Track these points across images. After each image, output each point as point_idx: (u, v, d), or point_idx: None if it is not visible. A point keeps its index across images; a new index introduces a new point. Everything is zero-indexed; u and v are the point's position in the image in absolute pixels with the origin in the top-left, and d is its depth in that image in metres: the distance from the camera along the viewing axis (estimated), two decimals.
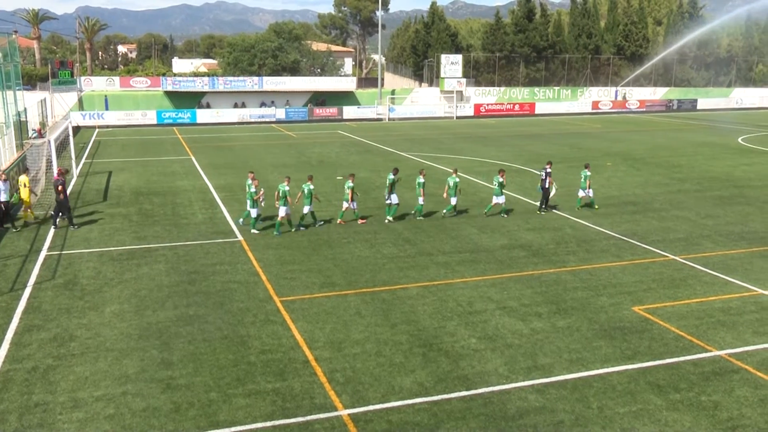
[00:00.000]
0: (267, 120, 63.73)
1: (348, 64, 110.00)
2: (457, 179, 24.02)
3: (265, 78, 67.19)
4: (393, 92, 72.40)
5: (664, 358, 12.95)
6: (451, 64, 71.15)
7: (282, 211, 21.72)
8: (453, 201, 24.08)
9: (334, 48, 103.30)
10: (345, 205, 23.21)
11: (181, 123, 61.34)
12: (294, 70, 77.02)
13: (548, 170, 24.64)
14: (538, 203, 25.48)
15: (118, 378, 12.14)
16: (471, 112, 70.33)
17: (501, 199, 23.99)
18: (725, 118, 66.85)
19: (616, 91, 78.06)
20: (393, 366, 12.63)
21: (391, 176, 23.49)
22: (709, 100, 79.31)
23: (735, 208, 25.95)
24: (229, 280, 17.45)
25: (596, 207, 25.48)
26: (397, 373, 12.34)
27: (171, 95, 65.20)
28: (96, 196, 28.43)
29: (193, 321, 14.72)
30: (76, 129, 52.79)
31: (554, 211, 25.15)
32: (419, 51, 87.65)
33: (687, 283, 17.26)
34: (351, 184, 22.89)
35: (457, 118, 68.37)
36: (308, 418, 10.87)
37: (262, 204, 22.43)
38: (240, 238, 21.56)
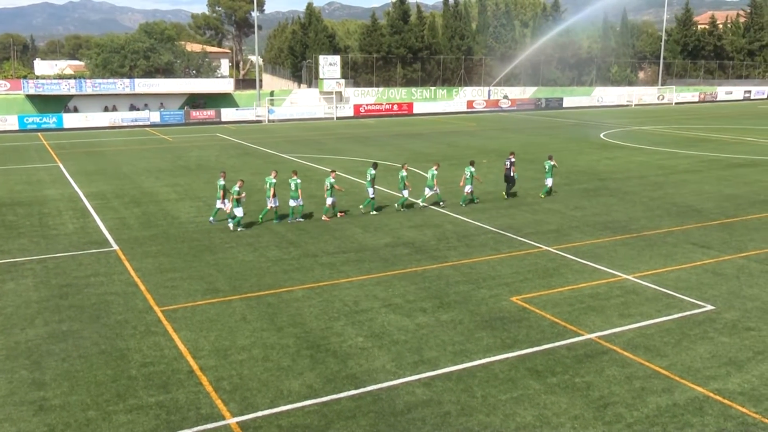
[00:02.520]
0: (141, 124, 61.26)
1: (224, 65, 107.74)
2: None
3: (137, 80, 64.56)
4: (272, 93, 71.64)
5: (541, 345, 13.62)
6: (330, 65, 71.31)
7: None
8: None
9: (209, 49, 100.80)
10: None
11: (47, 128, 57.76)
12: (168, 72, 74.50)
13: (512, 160, 27.43)
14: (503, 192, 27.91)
15: None
16: (351, 113, 70.82)
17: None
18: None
19: (489, 91, 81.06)
20: (281, 370, 12.53)
21: (372, 171, 24.80)
22: (573, 98, 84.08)
23: (600, 199, 27.67)
24: (105, 292, 16.64)
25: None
26: (285, 377, 12.25)
27: (34, 99, 61.25)
28: None
29: (66, 337, 13.93)
30: None
31: (433, 207, 25.81)
32: (297, 52, 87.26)
33: (559, 272, 18.23)
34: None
35: (338, 118, 68.63)
36: (195, 429, 10.58)
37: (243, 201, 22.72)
38: (115, 247, 20.62)
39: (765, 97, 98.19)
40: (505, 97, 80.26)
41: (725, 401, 11.43)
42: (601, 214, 25.08)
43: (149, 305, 15.79)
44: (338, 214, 24.38)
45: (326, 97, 70.79)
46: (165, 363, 12.81)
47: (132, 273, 18.13)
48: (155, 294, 16.51)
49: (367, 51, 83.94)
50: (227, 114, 64.98)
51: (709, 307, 15.66)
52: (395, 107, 73.50)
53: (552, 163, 27.71)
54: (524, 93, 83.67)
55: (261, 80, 74.79)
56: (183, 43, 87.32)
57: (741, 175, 33.29)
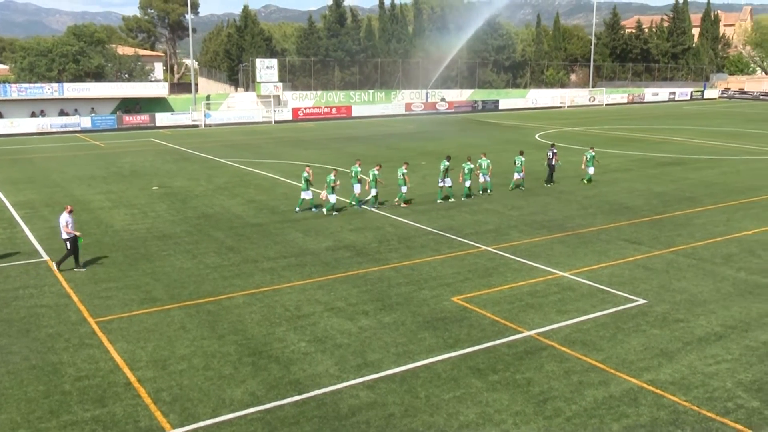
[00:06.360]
0: (71, 129, 59.40)
1: (158, 69, 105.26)
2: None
3: (66, 84, 62.46)
4: (208, 97, 70.44)
5: (482, 343, 13.81)
6: (267, 69, 70.60)
7: (357, 188, 26.26)
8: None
9: (142, 52, 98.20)
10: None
11: None
12: (99, 76, 72.38)
13: (554, 150, 31.44)
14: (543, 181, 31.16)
15: None
16: (289, 116, 70.33)
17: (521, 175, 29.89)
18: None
19: (427, 93, 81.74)
20: (222, 378, 12.33)
21: (446, 162, 27.26)
22: (509, 100, 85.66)
23: (536, 198, 28.26)
24: (34, 305, 16.04)
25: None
26: (227, 386, 12.06)
27: None
28: None
29: None
30: None
31: (373, 210, 25.86)
32: (233, 55, 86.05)
33: (499, 271, 18.53)
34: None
35: (276, 122, 68.06)
36: None
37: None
38: (45, 257, 19.90)
39: (688, 98, 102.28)
40: (443, 99, 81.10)
41: (658, 391, 11.83)
42: (538, 213, 25.61)
43: (83, 317, 15.30)
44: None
45: (264, 100, 70.11)
46: (100, 376, 12.43)
47: (64, 284, 17.54)
48: (89, 305, 16.01)
49: (304, 54, 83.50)
50: (162, 118, 63.61)
51: (641, 301, 16.19)
52: (334, 110, 73.34)
53: (593, 153, 31.53)
54: (461, 95, 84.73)
55: (196, 84, 73.52)
56: (114, 46, 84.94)
57: (668, 174, 34.55)
